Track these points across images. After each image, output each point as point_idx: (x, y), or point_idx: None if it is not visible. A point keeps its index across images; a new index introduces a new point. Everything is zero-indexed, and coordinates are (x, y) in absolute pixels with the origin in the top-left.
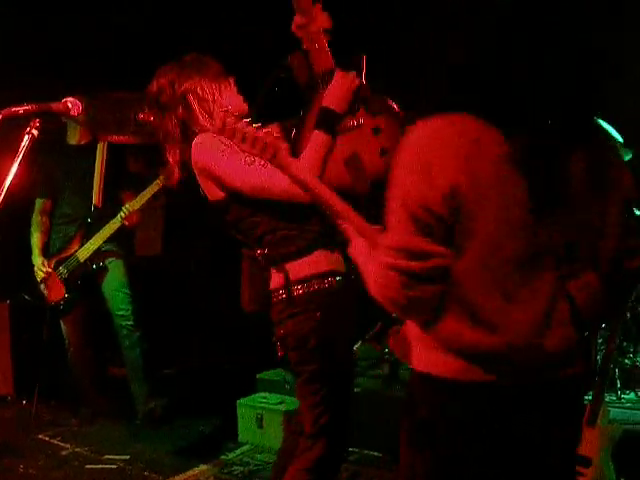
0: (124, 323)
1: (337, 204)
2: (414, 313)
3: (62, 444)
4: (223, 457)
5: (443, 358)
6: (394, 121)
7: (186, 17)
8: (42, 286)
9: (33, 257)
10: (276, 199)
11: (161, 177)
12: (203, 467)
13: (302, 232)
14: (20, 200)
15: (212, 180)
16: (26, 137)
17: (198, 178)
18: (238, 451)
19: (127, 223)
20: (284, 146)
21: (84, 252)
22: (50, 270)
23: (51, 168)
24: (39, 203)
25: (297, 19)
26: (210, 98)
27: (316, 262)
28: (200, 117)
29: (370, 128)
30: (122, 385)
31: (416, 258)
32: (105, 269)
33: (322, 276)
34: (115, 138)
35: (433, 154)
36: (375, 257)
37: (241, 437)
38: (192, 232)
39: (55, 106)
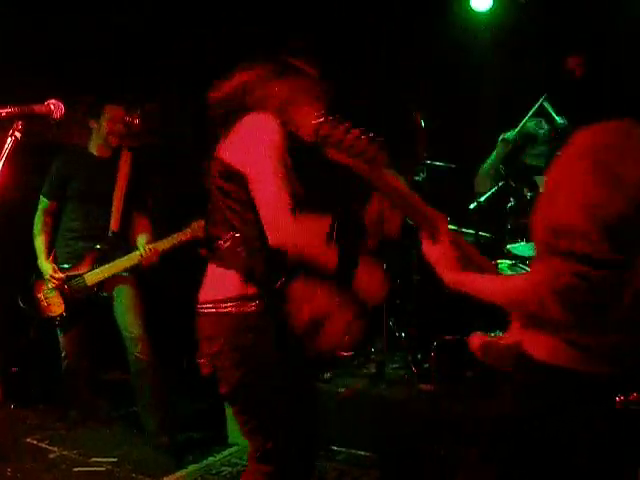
0: (133, 348)
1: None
2: (579, 316)
3: (50, 447)
4: (211, 458)
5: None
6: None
7: (186, 17)
8: (41, 296)
9: (40, 262)
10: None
11: (193, 226)
12: (191, 468)
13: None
14: (11, 201)
15: (245, 156)
16: (9, 140)
17: (232, 135)
18: (226, 452)
19: (145, 263)
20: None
21: (93, 277)
22: (63, 277)
23: (66, 172)
24: (44, 203)
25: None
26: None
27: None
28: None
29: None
30: (111, 388)
31: (601, 266)
32: (111, 298)
33: (251, 298)
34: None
35: (621, 162)
36: (544, 262)
37: (230, 438)
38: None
39: (38, 108)
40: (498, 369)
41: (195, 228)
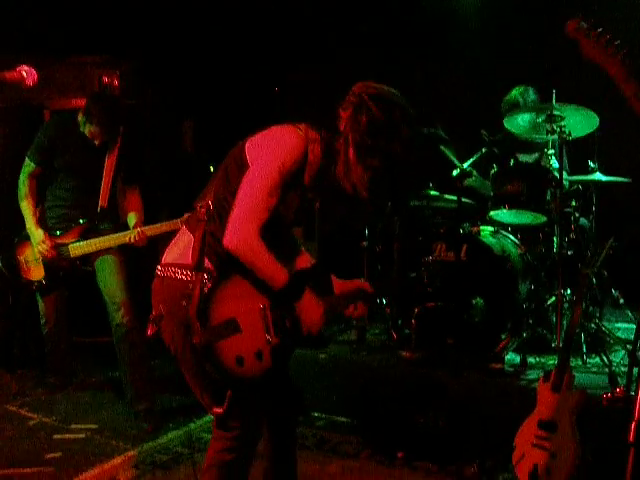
0: (116, 314)
1: None
2: None
3: (29, 414)
4: (191, 424)
5: None
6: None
7: None
8: (22, 259)
9: (30, 227)
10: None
11: (184, 217)
12: (171, 435)
13: None
14: None
15: (257, 152)
16: None
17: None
18: (206, 418)
19: (131, 243)
20: None
21: (77, 249)
22: (53, 245)
23: (56, 143)
24: (30, 166)
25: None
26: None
27: None
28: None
29: (259, 348)
30: (93, 352)
31: None
32: (93, 272)
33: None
34: (78, 102)
35: None
36: None
37: None
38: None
39: (9, 75)
40: None
41: (186, 220)
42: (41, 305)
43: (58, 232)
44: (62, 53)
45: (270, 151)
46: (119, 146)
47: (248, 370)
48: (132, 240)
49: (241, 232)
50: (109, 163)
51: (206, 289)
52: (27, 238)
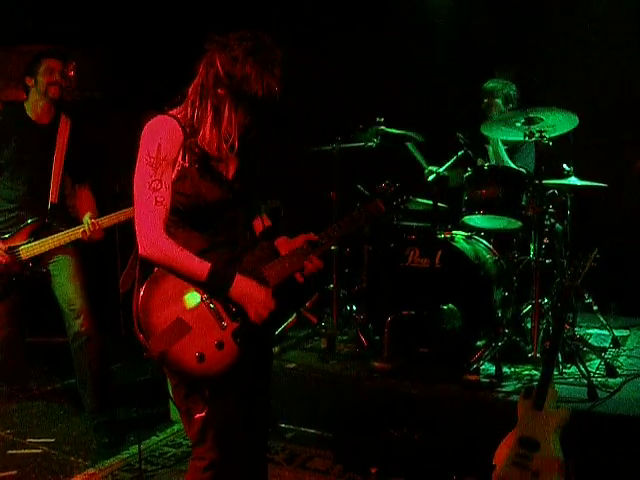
0: (74, 322)
1: None
2: None
3: None
4: (154, 438)
5: None
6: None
7: None
8: None
9: None
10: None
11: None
12: (133, 450)
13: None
14: None
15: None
16: None
17: None
18: (169, 431)
19: (86, 238)
20: None
21: (30, 251)
22: (6, 250)
23: (1, 131)
24: None
25: None
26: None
27: None
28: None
29: (219, 338)
30: (45, 357)
31: None
32: (47, 274)
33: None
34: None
35: None
36: None
37: (175, 416)
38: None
39: None
40: None
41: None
42: None
43: (7, 235)
44: (11, 42)
45: (140, 147)
46: (68, 139)
47: (213, 364)
48: (88, 232)
49: (147, 237)
50: (58, 157)
51: (141, 300)
52: None
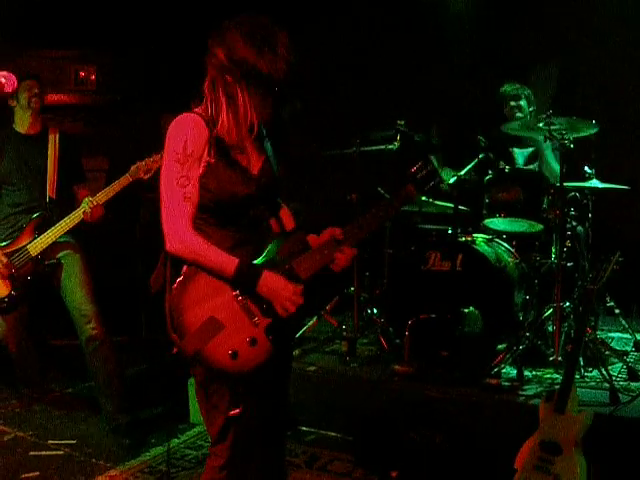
0: (85, 327)
1: None
2: None
3: (4, 428)
4: (175, 440)
5: None
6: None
7: None
8: None
9: None
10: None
11: (132, 170)
12: (154, 452)
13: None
14: None
15: None
16: None
17: None
18: (190, 433)
19: (88, 218)
20: None
21: (36, 246)
22: (6, 261)
23: None
24: None
25: None
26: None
27: None
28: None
29: (251, 335)
30: (65, 358)
31: None
32: (59, 265)
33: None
34: (53, 97)
35: None
36: None
37: (195, 418)
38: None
39: None
40: None
41: (134, 171)
42: (1, 324)
43: (5, 242)
44: (36, 46)
45: (166, 145)
46: (59, 145)
47: (246, 361)
48: (88, 211)
49: (175, 233)
50: (51, 159)
51: (174, 300)
52: None
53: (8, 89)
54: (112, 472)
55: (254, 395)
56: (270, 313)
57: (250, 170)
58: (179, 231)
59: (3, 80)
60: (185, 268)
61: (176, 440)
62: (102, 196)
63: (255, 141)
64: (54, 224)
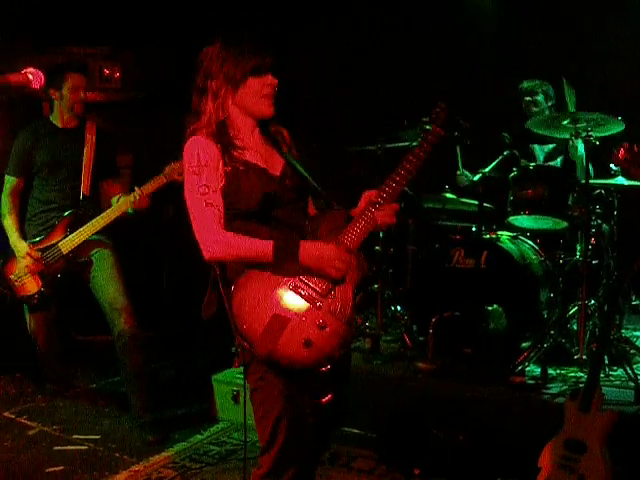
0: (117, 321)
1: None
2: None
3: (29, 423)
4: (198, 436)
5: None
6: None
7: None
8: (12, 277)
9: (13, 242)
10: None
11: (166, 171)
12: (177, 447)
13: None
14: None
15: None
16: None
17: None
18: (213, 429)
19: (136, 206)
20: None
21: (68, 244)
22: (38, 256)
23: (29, 146)
24: (10, 181)
25: None
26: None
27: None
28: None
29: (318, 319)
30: (90, 354)
31: None
32: (90, 263)
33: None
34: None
35: None
36: None
37: (219, 414)
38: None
39: (14, 78)
40: None
41: (168, 172)
42: (31, 323)
43: (37, 238)
44: (61, 43)
45: (183, 169)
46: (95, 140)
47: (322, 346)
48: (135, 202)
49: (206, 238)
50: (87, 155)
51: (235, 311)
52: (14, 255)
53: (35, 85)
54: (136, 467)
55: (306, 397)
56: (330, 293)
57: (271, 171)
58: (210, 234)
59: (30, 77)
60: (236, 278)
61: (199, 436)
62: (149, 186)
63: (270, 143)
64: (86, 222)
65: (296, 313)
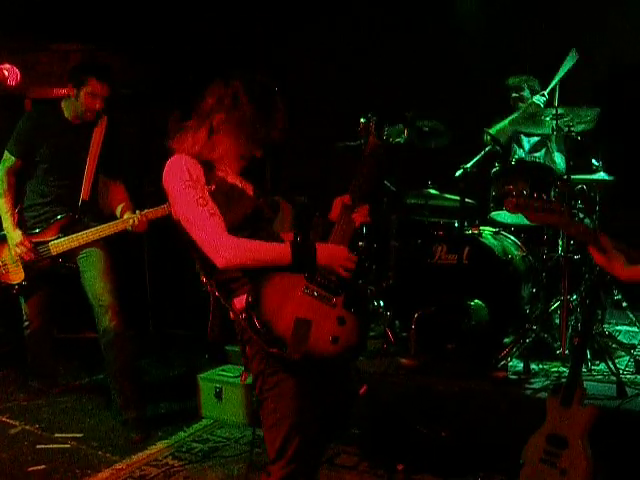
0: (103, 317)
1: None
2: None
3: (11, 421)
4: (181, 433)
5: None
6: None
7: None
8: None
9: (7, 228)
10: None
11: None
12: (160, 445)
13: None
14: None
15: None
16: None
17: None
18: (196, 426)
19: (134, 229)
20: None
21: (59, 246)
22: (30, 247)
23: (37, 134)
24: (10, 160)
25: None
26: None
27: None
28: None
29: (336, 316)
30: (73, 352)
31: None
32: (77, 270)
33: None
34: (62, 92)
35: None
36: None
37: (202, 412)
38: None
39: None
40: None
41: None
42: (24, 306)
43: (37, 230)
44: (45, 40)
45: (168, 185)
46: (103, 139)
47: (347, 338)
48: (135, 224)
49: (218, 246)
50: (92, 154)
51: (255, 321)
52: (4, 240)
53: (11, 82)
54: (118, 465)
55: (316, 403)
56: (339, 290)
57: (246, 192)
58: (222, 242)
59: (6, 73)
60: (251, 294)
61: (182, 433)
62: (151, 213)
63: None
64: (80, 230)
65: (315, 314)
